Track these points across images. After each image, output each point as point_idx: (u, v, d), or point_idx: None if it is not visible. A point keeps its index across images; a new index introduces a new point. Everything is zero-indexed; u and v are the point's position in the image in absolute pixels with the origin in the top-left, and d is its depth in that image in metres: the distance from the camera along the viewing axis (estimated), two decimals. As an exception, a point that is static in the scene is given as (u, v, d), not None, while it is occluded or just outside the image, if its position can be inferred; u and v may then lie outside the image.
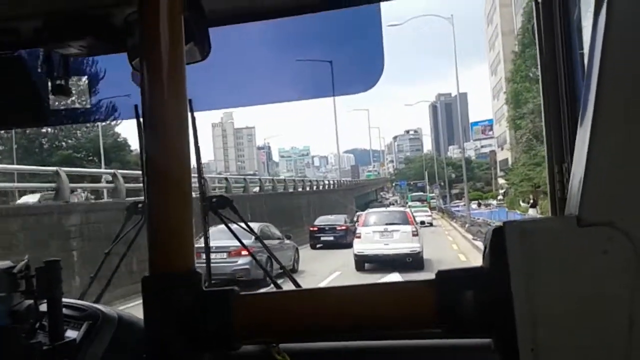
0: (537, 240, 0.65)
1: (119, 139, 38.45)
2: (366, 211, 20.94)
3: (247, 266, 12.37)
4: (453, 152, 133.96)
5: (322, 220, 24.49)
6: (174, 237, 0.83)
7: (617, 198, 0.63)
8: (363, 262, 15.90)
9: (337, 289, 0.83)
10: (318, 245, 22.73)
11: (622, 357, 0.62)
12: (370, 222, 16.87)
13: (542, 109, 1.33)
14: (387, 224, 16.40)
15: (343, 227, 23.43)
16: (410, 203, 52.59)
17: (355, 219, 24.85)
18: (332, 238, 22.88)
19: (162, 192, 0.84)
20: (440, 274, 0.75)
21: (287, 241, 15.69)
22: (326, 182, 48.93)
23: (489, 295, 0.69)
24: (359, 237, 16.22)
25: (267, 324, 0.80)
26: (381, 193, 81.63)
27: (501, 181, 60.93)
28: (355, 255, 15.89)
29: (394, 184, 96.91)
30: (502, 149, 63.74)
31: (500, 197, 54.86)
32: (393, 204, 55.25)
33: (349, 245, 20.61)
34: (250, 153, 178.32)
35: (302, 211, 29.78)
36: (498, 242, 0.67)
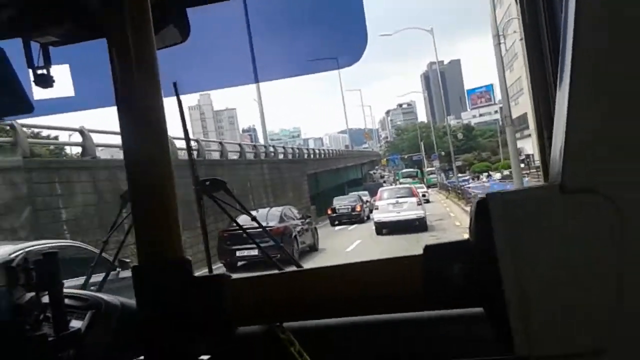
0: (521, 209, 0.65)
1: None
2: (380, 189, 24.65)
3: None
4: (450, 122, 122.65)
5: (244, 221, 13.71)
6: (159, 226, 0.83)
7: (599, 163, 0.62)
8: (381, 228, 20.29)
9: (327, 269, 0.83)
10: (239, 264, 14.05)
11: (613, 320, 0.62)
12: (384, 197, 21.63)
13: (528, 71, 1.29)
14: (397, 197, 21.20)
15: (279, 229, 14.58)
16: (401, 180, 43.07)
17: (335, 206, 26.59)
18: (255, 253, 12.64)
19: (143, 181, 0.83)
20: (427, 248, 0.75)
21: None
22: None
23: (476, 267, 0.70)
24: (377, 208, 20.98)
25: (260, 306, 0.81)
26: (371, 172, 67.75)
27: (520, 145, 49.55)
28: (375, 223, 20.69)
29: (387, 160, 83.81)
30: (515, 103, 51.97)
31: (522, 164, 43.09)
32: (384, 184, 44.27)
33: (284, 262, 12.02)
34: (233, 137, 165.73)
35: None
36: (482, 214, 0.67)
